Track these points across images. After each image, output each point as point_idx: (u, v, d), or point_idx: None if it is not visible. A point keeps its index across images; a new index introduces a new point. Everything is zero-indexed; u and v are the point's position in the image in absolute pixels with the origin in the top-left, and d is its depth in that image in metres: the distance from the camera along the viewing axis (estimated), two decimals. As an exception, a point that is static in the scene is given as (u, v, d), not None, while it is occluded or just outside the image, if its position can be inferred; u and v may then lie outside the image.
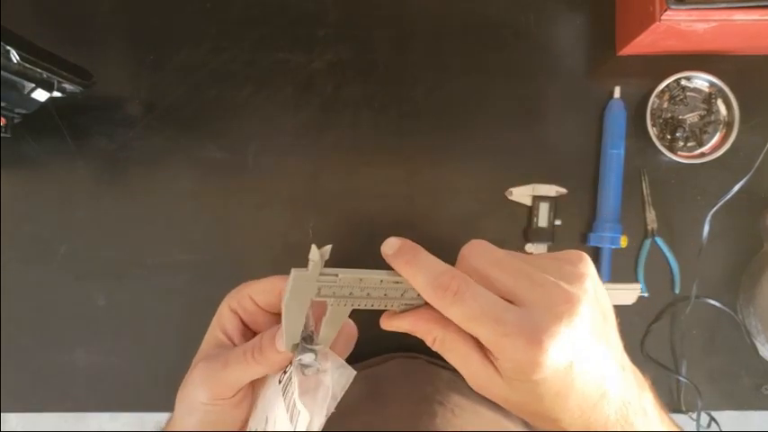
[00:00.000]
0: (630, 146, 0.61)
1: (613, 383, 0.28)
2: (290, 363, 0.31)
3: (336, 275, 0.29)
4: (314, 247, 0.29)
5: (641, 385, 0.31)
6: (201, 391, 0.32)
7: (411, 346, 0.61)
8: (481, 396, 0.31)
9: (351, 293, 0.29)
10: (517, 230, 0.62)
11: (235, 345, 0.34)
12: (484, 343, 0.27)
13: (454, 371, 0.32)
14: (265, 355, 0.30)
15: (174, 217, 0.62)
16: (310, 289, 0.29)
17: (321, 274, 0.29)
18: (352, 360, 0.59)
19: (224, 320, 0.35)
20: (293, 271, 0.29)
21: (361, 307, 0.30)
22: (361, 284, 0.29)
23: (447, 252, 0.64)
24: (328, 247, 0.29)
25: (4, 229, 0.62)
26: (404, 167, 0.62)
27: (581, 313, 0.26)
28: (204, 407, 0.32)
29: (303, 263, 0.62)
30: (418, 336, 0.30)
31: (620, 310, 0.61)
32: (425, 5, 0.62)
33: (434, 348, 0.30)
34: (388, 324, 0.31)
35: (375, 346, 0.61)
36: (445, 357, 0.30)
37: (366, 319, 0.60)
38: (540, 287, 0.27)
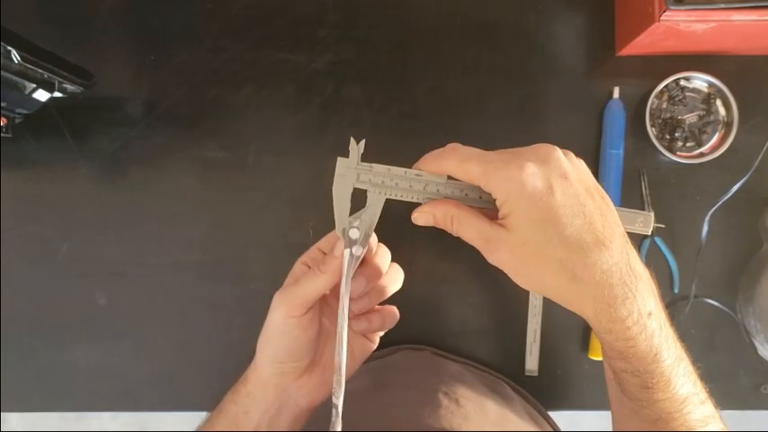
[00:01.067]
0: (630, 146, 0.61)
1: (612, 238, 0.33)
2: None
3: (371, 165, 0.38)
4: (352, 139, 0.38)
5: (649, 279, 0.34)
6: (278, 311, 0.37)
7: (417, 339, 0.61)
8: (486, 390, 0.37)
9: (383, 182, 0.38)
10: (517, 230, 0.62)
11: None
12: (477, 181, 0.34)
13: (460, 362, 0.39)
14: (327, 263, 0.38)
15: (174, 216, 0.62)
16: (351, 175, 0.38)
17: (358, 164, 0.38)
18: None
19: (297, 273, 0.42)
20: (339, 159, 0.38)
21: (393, 196, 0.38)
22: (390, 173, 0.38)
23: (447, 252, 0.65)
24: (363, 141, 0.38)
25: (5, 229, 0.62)
26: (404, 167, 0.62)
27: (556, 158, 0.33)
28: (279, 328, 0.37)
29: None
30: (439, 222, 0.37)
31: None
32: (425, 6, 0.62)
33: (453, 229, 0.36)
34: (416, 214, 0.37)
35: (382, 339, 0.62)
36: (462, 234, 0.35)
37: None
38: (518, 150, 0.34)
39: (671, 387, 0.33)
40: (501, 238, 0.33)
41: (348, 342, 0.37)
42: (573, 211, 0.32)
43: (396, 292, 0.57)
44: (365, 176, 0.38)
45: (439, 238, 0.62)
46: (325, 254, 0.41)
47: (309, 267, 0.41)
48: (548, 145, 0.34)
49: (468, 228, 0.35)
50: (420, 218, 0.37)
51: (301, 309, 0.37)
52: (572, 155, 0.35)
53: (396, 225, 0.62)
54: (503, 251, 0.34)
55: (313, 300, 0.38)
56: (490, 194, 0.34)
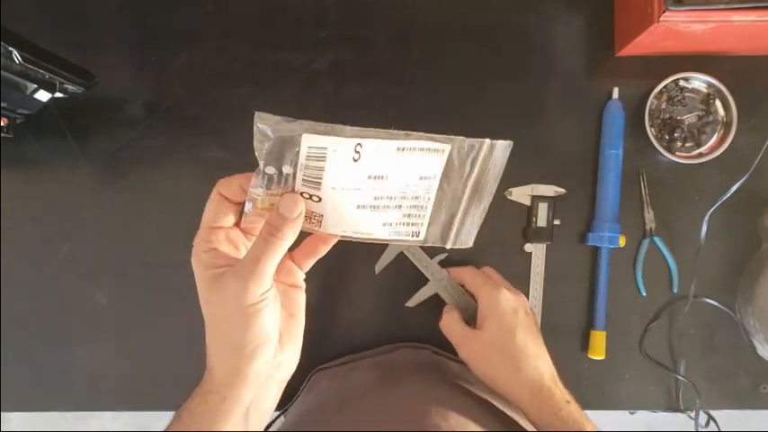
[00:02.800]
0: (629, 146, 0.61)
1: (544, 355, 0.50)
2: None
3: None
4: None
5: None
6: (246, 296, 0.32)
7: (418, 338, 0.62)
8: (486, 389, 0.49)
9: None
10: (516, 230, 0.62)
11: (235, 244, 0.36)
12: (479, 295, 0.53)
13: (461, 363, 0.55)
14: (283, 229, 0.33)
15: (175, 216, 0.62)
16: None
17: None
18: (360, 349, 0.60)
19: (220, 216, 0.36)
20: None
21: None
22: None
23: (446, 251, 0.65)
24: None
25: (7, 229, 0.62)
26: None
27: (521, 299, 0.52)
28: (252, 308, 0.32)
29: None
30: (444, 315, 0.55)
31: (617, 311, 0.62)
32: (425, 6, 0.63)
33: (442, 326, 0.54)
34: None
35: (383, 337, 0.62)
36: (449, 328, 0.53)
37: (374, 310, 0.60)
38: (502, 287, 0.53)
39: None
40: (475, 337, 0.50)
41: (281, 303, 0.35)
42: (526, 330, 0.49)
43: (396, 293, 0.57)
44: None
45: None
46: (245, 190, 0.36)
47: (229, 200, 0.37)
48: (520, 292, 0.53)
49: (454, 326, 0.53)
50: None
51: (269, 281, 0.33)
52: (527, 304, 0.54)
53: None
54: (474, 345, 0.50)
55: (274, 268, 0.33)
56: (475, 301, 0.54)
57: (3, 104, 0.52)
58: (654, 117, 0.62)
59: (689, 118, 0.62)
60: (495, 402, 0.50)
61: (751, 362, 0.62)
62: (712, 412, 0.62)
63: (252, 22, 0.62)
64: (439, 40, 0.62)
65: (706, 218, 0.59)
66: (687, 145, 0.62)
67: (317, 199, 0.35)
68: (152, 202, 0.62)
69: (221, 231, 0.36)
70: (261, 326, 0.33)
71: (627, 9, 0.59)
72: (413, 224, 0.38)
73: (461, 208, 0.39)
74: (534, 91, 0.62)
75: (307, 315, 0.40)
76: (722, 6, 0.49)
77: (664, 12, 0.50)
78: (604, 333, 0.61)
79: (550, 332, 0.62)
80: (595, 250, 0.62)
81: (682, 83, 0.61)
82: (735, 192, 0.58)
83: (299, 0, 0.62)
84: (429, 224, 0.38)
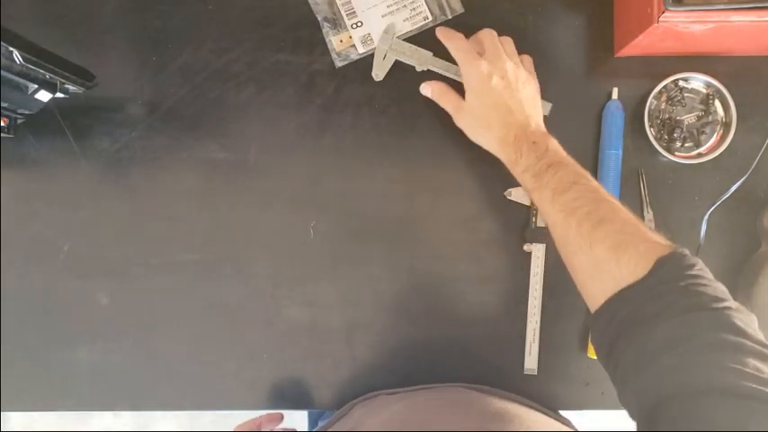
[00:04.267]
0: (628, 146, 0.62)
1: (518, 110, 0.54)
2: None
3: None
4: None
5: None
6: None
7: (416, 338, 0.62)
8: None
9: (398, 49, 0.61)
10: (516, 230, 0.63)
11: None
12: (460, 67, 0.56)
13: (410, 391, 0.57)
14: None
15: (176, 217, 0.63)
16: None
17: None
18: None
19: None
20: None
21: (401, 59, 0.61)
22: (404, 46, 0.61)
23: (446, 251, 0.65)
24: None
25: (7, 229, 0.62)
26: (404, 167, 0.63)
27: (502, 61, 0.54)
28: None
29: (304, 261, 0.62)
30: (434, 93, 0.59)
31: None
32: (425, 7, 0.63)
33: (439, 99, 0.58)
34: (423, 85, 0.59)
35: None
36: (442, 102, 0.58)
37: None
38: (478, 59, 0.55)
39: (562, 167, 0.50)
40: (463, 107, 0.56)
41: None
42: (498, 94, 0.53)
43: (398, 293, 0.57)
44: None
45: (438, 239, 0.62)
46: None
47: None
48: (502, 54, 0.55)
49: (448, 99, 0.57)
50: (425, 88, 0.59)
51: None
52: (522, 61, 0.57)
53: (396, 228, 0.62)
54: (463, 115, 0.56)
55: None
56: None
57: (3, 104, 0.52)
58: (653, 117, 0.62)
59: (688, 118, 0.62)
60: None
61: (750, 361, 0.62)
62: (711, 412, 0.62)
63: (252, 22, 0.62)
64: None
65: (705, 218, 0.59)
66: (686, 145, 0.62)
67: (361, 24, 0.61)
68: (153, 202, 0.63)
69: None
70: None
71: (626, 9, 0.59)
72: (419, 12, 0.61)
73: None
74: (534, 91, 0.63)
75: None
76: (722, 6, 0.49)
77: (663, 12, 0.50)
78: (604, 333, 0.61)
79: (550, 332, 0.62)
80: (595, 250, 0.62)
81: (681, 83, 0.61)
82: (734, 192, 0.59)
83: (300, 0, 0.62)
84: (427, 7, 0.61)
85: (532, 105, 0.55)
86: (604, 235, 0.44)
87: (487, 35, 0.56)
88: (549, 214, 0.49)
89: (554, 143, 0.52)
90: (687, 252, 0.42)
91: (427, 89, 0.58)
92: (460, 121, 0.56)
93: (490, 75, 0.53)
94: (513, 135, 0.52)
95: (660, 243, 0.43)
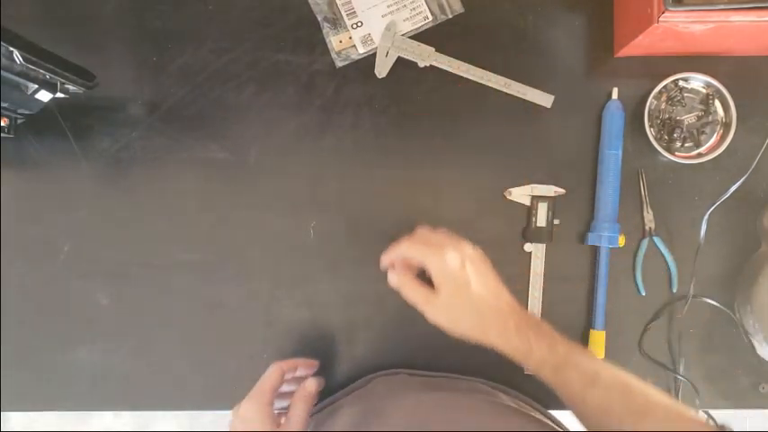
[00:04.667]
0: (628, 146, 0.62)
1: (503, 292, 0.49)
2: None
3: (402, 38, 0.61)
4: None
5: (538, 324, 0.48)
6: None
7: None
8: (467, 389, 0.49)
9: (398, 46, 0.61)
10: (516, 230, 0.63)
11: None
12: (426, 264, 0.49)
13: (435, 378, 0.56)
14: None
15: (176, 217, 0.63)
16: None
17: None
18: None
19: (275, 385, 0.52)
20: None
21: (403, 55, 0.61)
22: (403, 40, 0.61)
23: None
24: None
25: (8, 229, 0.62)
26: (404, 167, 0.63)
27: (462, 249, 0.49)
28: None
29: (304, 262, 0.62)
30: (400, 285, 0.51)
31: (616, 310, 0.62)
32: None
33: (405, 294, 0.51)
34: (389, 276, 0.52)
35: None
36: (409, 297, 0.50)
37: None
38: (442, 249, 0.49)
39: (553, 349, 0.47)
40: (436, 303, 0.49)
41: None
42: (477, 279, 0.48)
43: (398, 293, 0.57)
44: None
45: (439, 238, 0.62)
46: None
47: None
48: (455, 239, 0.50)
49: (414, 292, 0.50)
50: (391, 277, 0.52)
51: None
52: (473, 247, 0.51)
53: (396, 228, 0.62)
54: (439, 311, 0.49)
55: None
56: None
57: (4, 104, 0.52)
58: (653, 117, 0.62)
59: (688, 118, 0.62)
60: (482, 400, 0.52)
61: (750, 361, 0.62)
62: (711, 412, 0.62)
63: (252, 22, 0.62)
64: (438, 40, 0.62)
65: (705, 218, 0.59)
66: (686, 145, 0.62)
67: (361, 24, 0.61)
68: (153, 203, 0.63)
69: None
70: None
71: (626, 9, 0.59)
72: (419, 12, 0.61)
73: None
74: (534, 91, 0.62)
75: None
76: (722, 6, 0.49)
77: (663, 12, 0.50)
78: (604, 332, 0.61)
79: (550, 332, 0.62)
80: (595, 250, 0.62)
81: (681, 83, 0.61)
82: (734, 192, 0.59)
83: (300, 0, 0.62)
84: (427, 7, 0.61)
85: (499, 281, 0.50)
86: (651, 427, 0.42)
87: (425, 230, 0.52)
88: (581, 411, 0.46)
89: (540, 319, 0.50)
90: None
91: (393, 279, 0.52)
92: (437, 317, 0.49)
93: (462, 262, 0.48)
94: (514, 324, 0.47)
95: (706, 425, 0.42)
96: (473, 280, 0.48)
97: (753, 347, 0.61)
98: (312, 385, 0.52)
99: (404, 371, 0.61)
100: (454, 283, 0.48)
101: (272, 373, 0.52)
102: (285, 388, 0.55)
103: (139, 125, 0.62)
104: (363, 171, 0.63)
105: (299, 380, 0.56)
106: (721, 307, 0.62)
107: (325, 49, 0.62)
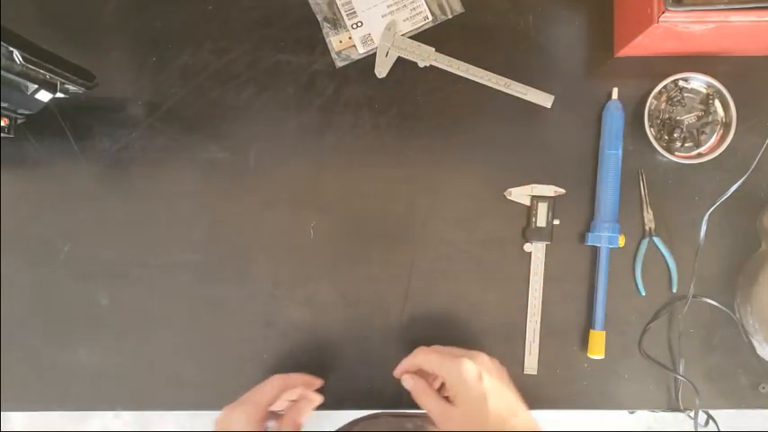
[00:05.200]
0: (628, 146, 0.62)
1: (518, 408, 0.48)
2: None
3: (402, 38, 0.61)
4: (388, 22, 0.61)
5: None
6: None
7: (419, 338, 0.62)
8: None
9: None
10: (516, 230, 0.63)
11: None
12: (442, 374, 0.49)
13: (418, 417, 0.54)
14: None
15: (176, 217, 0.63)
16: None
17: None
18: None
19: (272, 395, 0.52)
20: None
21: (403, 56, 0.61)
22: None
23: (446, 251, 0.65)
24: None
25: (7, 230, 0.63)
26: (404, 167, 0.63)
27: (480, 361, 0.49)
28: None
29: (304, 262, 0.62)
30: (415, 391, 0.51)
31: (616, 310, 0.62)
32: (425, 7, 0.63)
33: (420, 402, 0.50)
34: (404, 380, 0.52)
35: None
36: (425, 406, 0.49)
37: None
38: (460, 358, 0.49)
39: None
40: (452, 413, 0.48)
41: None
42: (495, 393, 0.47)
43: (398, 293, 0.58)
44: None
45: (438, 239, 0.62)
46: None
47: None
48: (471, 351, 0.51)
49: (430, 402, 0.49)
50: (406, 380, 0.52)
51: None
52: (490, 358, 0.51)
53: (396, 228, 0.62)
54: (453, 422, 0.48)
55: None
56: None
57: (3, 104, 0.52)
58: (653, 117, 0.62)
59: (688, 118, 0.62)
60: None
61: (750, 361, 0.62)
62: (711, 412, 0.62)
63: (252, 22, 0.62)
64: (438, 40, 0.62)
65: (705, 218, 0.59)
66: (686, 145, 0.62)
67: (361, 24, 0.61)
68: (153, 203, 0.63)
69: None
70: None
71: (626, 9, 0.59)
72: (419, 12, 0.61)
73: None
74: (534, 91, 0.62)
75: None
76: (722, 7, 0.49)
77: (663, 12, 0.50)
78: (604, 332, 0.61)
79: (549, 332, 0.62)
80: (595, 250, 0.62)
81: (681, 83, 0.61)
82: (734, 192, 0.58)
83: (300, 0, 0.62)
84: (427, 7, 0.61)
85: (516, 395, 0.50)
86: None
87: (439, 348, 0.52)
88: None
89: None
90: None
91: (409, 382, 0.52)
92: (454, 424, 0.48)
93: (480, 374, 0.47)
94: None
95: None
96: (490, 395, 0.47)
97: (753, 347, 0.61)
98: (302, 416, 0.52)
99: (386, 412, 0.61)
100: (471, 397, 0.47)
101: (272, 386, 0.50)
102: (278, 406, 0.53)
103: (139, 125, 0.62)
104: (363, 171, 0.63)
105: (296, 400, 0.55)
106: (721, 307, 0.62)
107: (325, 49, 0.62)
